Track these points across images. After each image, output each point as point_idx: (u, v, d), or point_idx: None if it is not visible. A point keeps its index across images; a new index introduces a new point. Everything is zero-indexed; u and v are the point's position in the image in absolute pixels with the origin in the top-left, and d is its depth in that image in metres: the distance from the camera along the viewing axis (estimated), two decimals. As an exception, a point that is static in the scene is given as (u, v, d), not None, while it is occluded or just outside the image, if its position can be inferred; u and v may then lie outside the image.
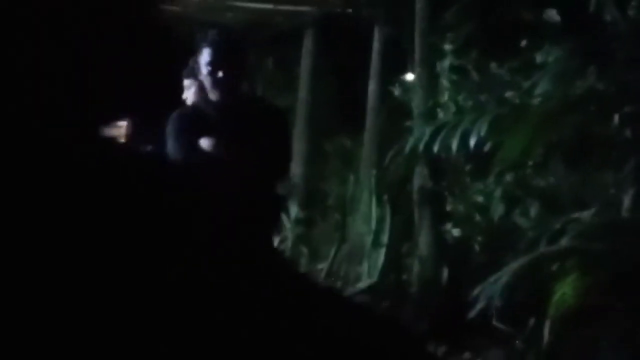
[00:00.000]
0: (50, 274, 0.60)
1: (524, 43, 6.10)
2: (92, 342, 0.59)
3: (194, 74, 5.16)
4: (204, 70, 4.47)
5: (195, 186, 0.73)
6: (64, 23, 0.63)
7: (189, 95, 5.23)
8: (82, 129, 0.66)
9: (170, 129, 4.58)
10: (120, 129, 5.02)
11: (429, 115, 6.60)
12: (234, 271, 0.65)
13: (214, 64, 4.43)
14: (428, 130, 6.11)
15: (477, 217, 6.18)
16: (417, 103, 6.78)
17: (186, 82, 5.28)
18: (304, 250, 8.13)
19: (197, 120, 4.55)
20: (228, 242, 0.67)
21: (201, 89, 4.76)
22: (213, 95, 4.51)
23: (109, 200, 0.64)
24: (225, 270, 0.65)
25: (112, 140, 0.69)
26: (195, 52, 4.64)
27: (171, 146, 4.62)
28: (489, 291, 4.96)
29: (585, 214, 5.15)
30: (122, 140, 4.99)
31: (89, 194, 0.63)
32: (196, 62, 4.58)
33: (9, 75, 0.62)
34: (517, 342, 5.33)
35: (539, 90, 5.68)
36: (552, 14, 5.95)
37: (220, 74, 4.42)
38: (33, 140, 0.63)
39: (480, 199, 6.12)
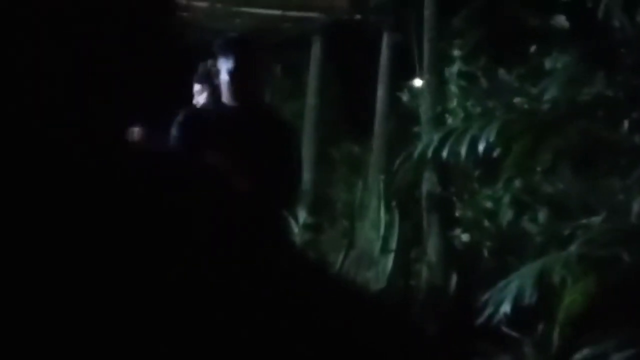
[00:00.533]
0: (50, 275, 0.61)
1: (532, 49, 6.10)
2: (92, 342, 0.60)
3: (205, 79, 5.17)
4: (225, 75, 4.37)
5: (197, 186, 0.73)
6: (65, 23, 0.64)
7: (200, 100, 5.24)
8: (82, 129, 0.67)
9: (174, 131, 4.50)
10: (131, 134, 5.04)
11: (438, 121, 6.60)
12: (233, 271, 0.65)
13: (237, 69, 4.34)
14: (436, 136, 6.10)
15: (486, 223, 6.18)
16: (425, 109, 6.79)
17: (197, 87, 5.30)
18: (312, 256, 8.12)
19: (202, 125, 4.45)
20: (228, 241, 0.67)
21: (214, 93, 4.72)
22: (230, 101, 4.41)
23: (108, 200, 0.64)
24: (225, 270, 0.65)
25: (114, 140, 0.69)
26: (207, 57, 4.59)
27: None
28: (497, 297, 4.96)
29: (594, 220, 5.14)
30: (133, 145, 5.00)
31: (88, 194, 0.64)
32: (214, 66, 4.51)
33: (9, 75, 0.63)
34: (526, 347, 5.33)
35: (547, 96, 5.67)
36: (561, 20, 5.95)
37: (242, 80, 4.33)
38: (33, 140, 0.64)
39: (488, 204, 6.12)
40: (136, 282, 0.62)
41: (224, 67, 4.38)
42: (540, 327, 5.22)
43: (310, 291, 0.69)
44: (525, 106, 5.90)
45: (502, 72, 6.30)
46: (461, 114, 6.50)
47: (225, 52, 4.40)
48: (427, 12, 6.78)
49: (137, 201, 0.65)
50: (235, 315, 0.63)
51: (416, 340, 0.74)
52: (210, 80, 5.25)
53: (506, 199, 5.86)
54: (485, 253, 6.20)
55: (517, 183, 5.82)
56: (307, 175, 8.61)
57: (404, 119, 7.48)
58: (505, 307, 4.84)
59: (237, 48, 4.41)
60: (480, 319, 5.11)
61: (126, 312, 0.61)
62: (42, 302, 0.60)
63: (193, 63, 5.41)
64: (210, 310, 0.63)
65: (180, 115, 4.53)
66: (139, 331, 0.61)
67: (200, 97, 5.27)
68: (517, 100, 6.01)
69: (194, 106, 5.03)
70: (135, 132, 4.88)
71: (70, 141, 0.65)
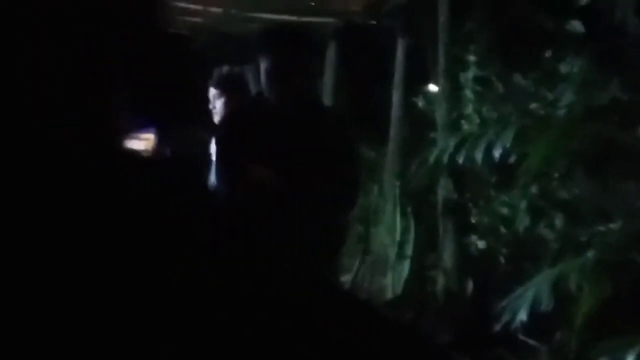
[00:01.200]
0: (49, 276, 0.60)
1: (547, 54, 6.08)
2: (91, 342, 0.59)
3: (221, 84, 5.15)
4: (263, 73, 3.98)
5: (199, 187, 0.72)
6: (65, 23, 0.63)
7: (217, 105, 5.24)
8: (82, 129, 0.66)
9: (219, 127, 4.23)
10: (147, 141, 5.03)
11: (453, 126, 6.58)
12: (234, 271, 0.65)
13: (273, 66, 3.94)
14: (452, 142, 6.09)
15: (502, 229, 6.16)
16: (440, 114, 6.77)
17: (213, 92, 5.29)
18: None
19: (245, 121, 4.09)
20: (229, 242, 0.67)
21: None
22: (271, 99, 4.02)
23: (108, 200, 0.64)
24: (226, 270, 0.64)
25: (115, 142, 0.69)
26: (222, 61, 4.48)
27: (216, 155, 4.22)
28: (514, 303, 4.94)
29: (610, 226, 5.11)
30: (149, 150, 5.00)
31: (88, 194, 0.63)
32: (256, 64, 4.11)
33: (9, 75, 0.62)
34: (543, 355, 5.31)
35: (563, 101, 5.66)
36: (576, 25, 5.93)
37: (278, 78, 3.94)
38: (33, 140, 0.63)
39: (504, 210, 6.09)
40: (135, 283, 0.62)
41: (262, 63, 3.99)
42: (557, 334, 5.19)
43: (312, 293, 0.68)
44: (541, 111, 5.88)
45: (517, 77, 6.28)
46: (477, 120, 6.48)
47: (263, 46, 4.04)
48: (442, 17, 6.76)
49: (136, 201, 0.65)
50: (236, 316, 0.62)
51: (426, 351, 0.73)
52: (228, 85, 5.25)
53: (522, 205, 5.83)
54: (501, 259, 6.18)
55: (533, 189, 5.79)
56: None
57: (419, 125, 7.47)
58: (522, 314, 4.82)
59: (274, 43, 4.04)
60: (497, 326, 5.10)
61: (126, 313, 0.60)
62: (42, 304, 0.59)
63: (208, 68, 5.42)
64: (210, 310, 0.62)
65: (229, 109, 4.27)
66: (138, 332, 0.60)
67: (217, 101, 5.26)
68: (532, 105, 5.99)
69: (245, 101, 4.85)
70: (149, 137, 4.89)
71: (70, 141, 0.64)
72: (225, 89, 5.21)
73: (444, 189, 6.71)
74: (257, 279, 0.63)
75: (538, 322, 5.01)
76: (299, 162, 3.92)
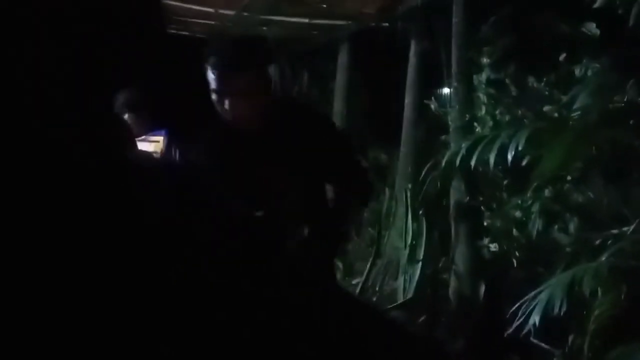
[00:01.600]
0: (50, 274, 0.59)
1: (562, 57, 6.05)
2: (92, 342, 0.58)
3: None
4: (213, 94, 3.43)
5: (198, 188, 0.72)
6: (65, 23, 0.63)
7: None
8: (82, 129, 0.65)
9: (201, 147, 3.80)
10: (158, 143, 5.02)
11: (466, 129, 6.56)
12: (234, 271, 0.64)
13: (216, 88, 3.39)
14: (465, 144, 6.06)
15: (515, 233, 6.13)
16: (453, 117, 6.75)
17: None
18: (339, 264, 8.10)
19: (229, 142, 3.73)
20: (229, 242, 0.66)
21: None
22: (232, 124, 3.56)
23: (108, 200, 0.63)
24: (226, 270, 0.64)
25: (114, 142, 0.68)
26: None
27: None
28: (527, 307, 4.91)
29: (625, 230, 5.08)
30: (158, 153, 5.00)
31: (88, 194, 0.62)
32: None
33: (9, 75, 0.61)
34: (556, 359, 5.28)
35: (577, 104, 5.62)
36: (591, 27, 5.90)
37: (222, 102, 3.43)
38: (33, 140, 0.62)
39: (517, 214, 6.07)
40: (136, 282, 0.61)
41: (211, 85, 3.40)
42: (571, 338, 5.17)
43: (313, 294, 0.68)
44: (555, 114, 5.85)
45: (531, 80, 6.26)
46: (490, 122, 6.46)
47: (209, 65, 3.38)
48: (456, 20, 6.73)
49: (135, 202, 0.64)
50: (236, 315, 0.62)
51: (422, 351, 0.72)
52: None
53: (535, 208, 5.80)
54: (514, 263, 6.15)
55: (547, 192, 5.77)
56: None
57: (431, 127, 7.45)
58: (535, 318, 4.79)
59: (216, 61, 3.35)
60: (510, 330, 5.07)
61: (126, 312, 0.59)
62: (43, 301, 0.59)
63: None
64: (211, 310, 0.61)
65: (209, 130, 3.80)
66: (139, 331, 0.59)
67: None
68: (546, 108, 5.96)
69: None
70: (159, 140, 4.87)
71: (70, 141, 0.64)
72: None
73: (456, 192, 6.68)
74: (259, 280, 0.63)
75: (551, 326, 4.98)
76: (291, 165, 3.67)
